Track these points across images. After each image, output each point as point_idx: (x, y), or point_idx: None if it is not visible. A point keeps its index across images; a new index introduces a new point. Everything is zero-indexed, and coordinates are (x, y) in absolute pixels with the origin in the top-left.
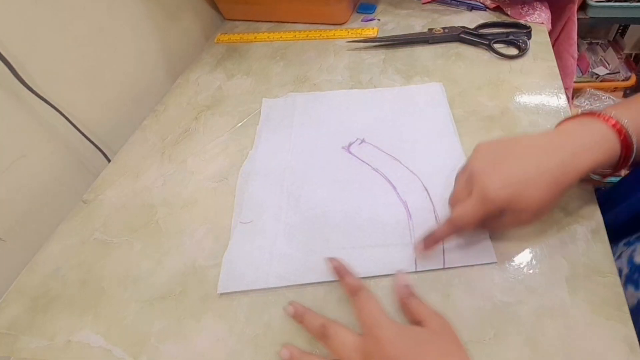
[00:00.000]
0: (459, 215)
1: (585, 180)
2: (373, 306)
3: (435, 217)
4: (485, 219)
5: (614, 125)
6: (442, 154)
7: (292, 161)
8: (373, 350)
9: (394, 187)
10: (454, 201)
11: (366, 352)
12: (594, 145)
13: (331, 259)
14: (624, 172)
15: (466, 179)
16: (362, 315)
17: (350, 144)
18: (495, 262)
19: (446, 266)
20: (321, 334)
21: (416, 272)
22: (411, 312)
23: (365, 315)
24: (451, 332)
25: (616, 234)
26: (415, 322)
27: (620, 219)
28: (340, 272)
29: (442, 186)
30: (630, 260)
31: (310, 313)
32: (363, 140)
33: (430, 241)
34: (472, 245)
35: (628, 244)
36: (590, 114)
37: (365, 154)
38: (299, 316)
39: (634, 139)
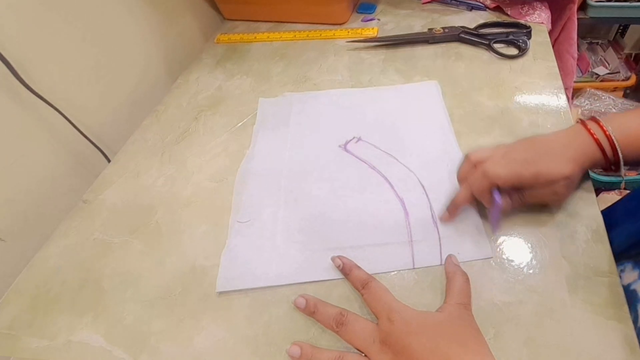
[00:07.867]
0: (485, 170)
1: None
2: (385, 294)
3: (432, 213)
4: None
5: (593, 136)
6: (437, 151)
7: (289, 160)
8: (391, 333)
9: (391, 185)
10: (462, 173)
11: (384, 336)
12: (577, 149)
13: (335, 257)
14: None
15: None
16: (376, 304)
17: (346, 142)
18: (491, 257)
19: (443, 262)
20: (338, 322)
21: (414, 269)
22: None
23: (379, 304)
24: (469, 318)
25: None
26: None
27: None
28: (347, 267)
29: (438, 183)
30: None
31: (324, 302)
32: (359, 139)
33: (452, 207)
34: (469, 241)
35: (618, 265)
36: (583, 123)
37: (361, 152)
38: (311, 307)
39: (617, 145)
